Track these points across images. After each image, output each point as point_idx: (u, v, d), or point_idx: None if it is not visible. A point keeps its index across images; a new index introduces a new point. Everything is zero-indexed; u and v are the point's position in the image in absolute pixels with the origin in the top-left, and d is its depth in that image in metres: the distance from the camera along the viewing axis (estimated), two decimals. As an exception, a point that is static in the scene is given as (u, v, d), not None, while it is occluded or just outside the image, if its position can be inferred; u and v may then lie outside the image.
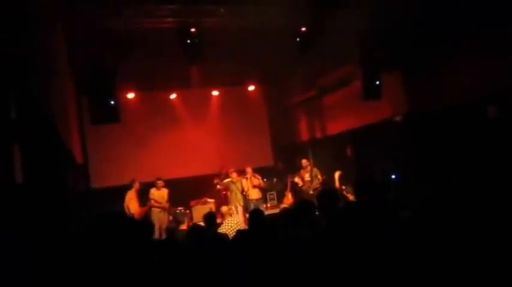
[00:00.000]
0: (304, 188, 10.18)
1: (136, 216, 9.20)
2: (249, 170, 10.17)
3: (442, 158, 7.48)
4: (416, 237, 2.38)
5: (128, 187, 9.46)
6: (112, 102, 7.46)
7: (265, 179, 10.59)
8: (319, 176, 10.06)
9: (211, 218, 5.48)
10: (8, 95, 2.60)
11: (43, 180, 3.34)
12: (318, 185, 9.81)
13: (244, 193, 10.06)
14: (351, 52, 8.77)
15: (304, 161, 10.30)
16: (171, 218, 9.99)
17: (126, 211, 9.28)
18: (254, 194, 10.02)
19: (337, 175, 8.72)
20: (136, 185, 9.50)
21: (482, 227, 2.25)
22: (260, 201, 10.04)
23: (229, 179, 10.23)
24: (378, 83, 8.65)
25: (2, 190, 2.33)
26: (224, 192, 10.57)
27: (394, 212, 2.72)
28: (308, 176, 10.11)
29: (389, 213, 2.59)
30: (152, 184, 9.78)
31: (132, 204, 9.37)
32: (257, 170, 10.40)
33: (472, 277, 2.01)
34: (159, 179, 9.75)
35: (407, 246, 2.26)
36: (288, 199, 10.35)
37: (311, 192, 9.78)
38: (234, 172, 10.16)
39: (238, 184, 10.01)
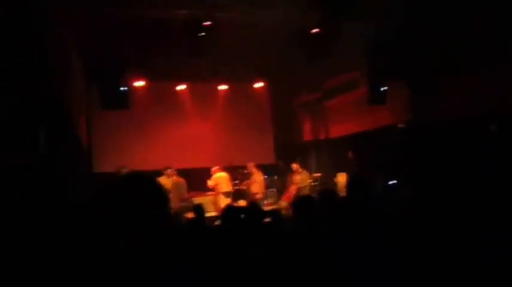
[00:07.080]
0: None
1: None
2: None
3: (440, 167, 7.58)
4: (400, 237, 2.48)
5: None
6: (123, 88, 7.55)
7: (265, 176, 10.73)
8: (308, 181, 10.24)
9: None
10: (33, 91, 2.72)
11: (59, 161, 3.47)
12: (307, 191, 9.92)
13: None
14: (358, 58, 8.89)
15: (294, 166, 10.37)
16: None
17: None
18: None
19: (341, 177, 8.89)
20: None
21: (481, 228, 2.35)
22: None
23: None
24: (383, 89, 8.80)
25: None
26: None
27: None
28: (299, 179, 10.25)
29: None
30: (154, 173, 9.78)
31: None
32: (258, 167, 10.48)
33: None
34: (168, 167, 9.62)
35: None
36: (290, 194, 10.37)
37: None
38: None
39: None
